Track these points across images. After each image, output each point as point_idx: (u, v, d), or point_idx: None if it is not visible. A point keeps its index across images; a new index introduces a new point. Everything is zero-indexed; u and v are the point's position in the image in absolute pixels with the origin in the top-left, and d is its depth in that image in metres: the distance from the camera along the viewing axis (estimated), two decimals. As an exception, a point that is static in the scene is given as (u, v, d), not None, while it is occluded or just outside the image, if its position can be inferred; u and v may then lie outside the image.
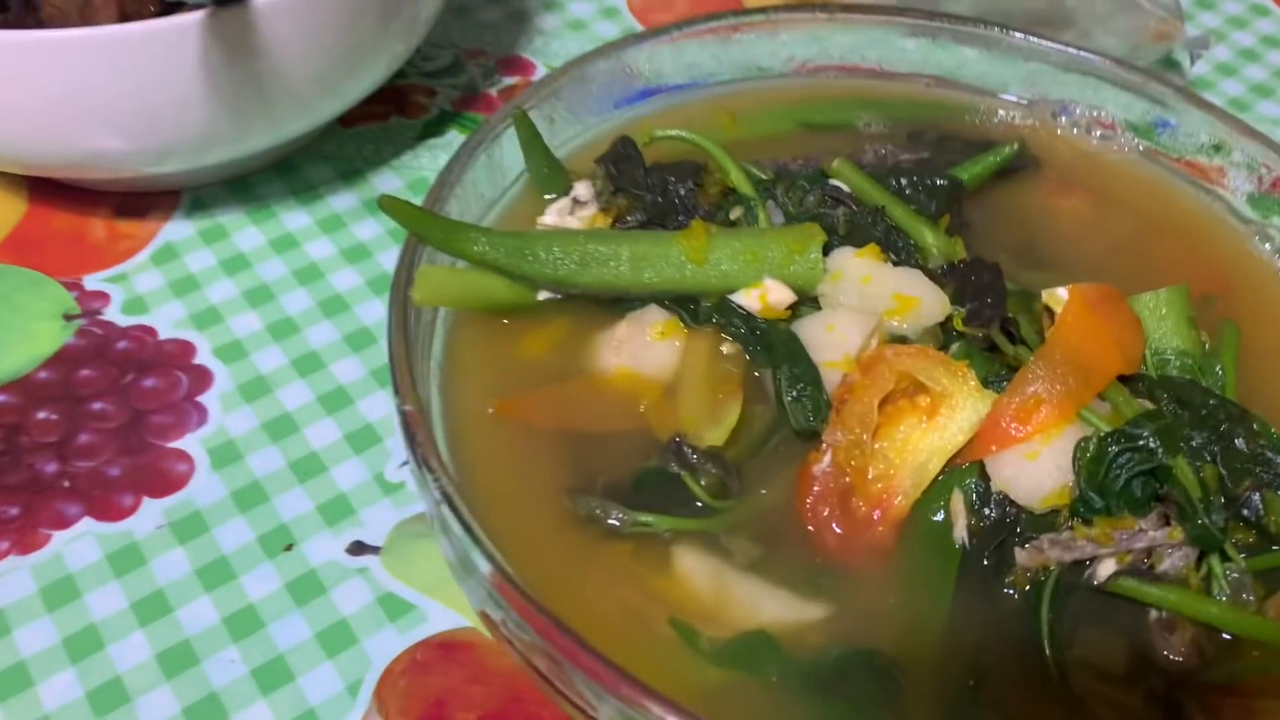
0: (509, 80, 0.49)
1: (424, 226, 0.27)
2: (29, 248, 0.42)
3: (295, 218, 0.44)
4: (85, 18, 0.39)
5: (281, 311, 0.41)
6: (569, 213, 0.30)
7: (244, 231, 0.43)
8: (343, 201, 0.44)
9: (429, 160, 0.46)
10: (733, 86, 0.35)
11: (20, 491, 0.35)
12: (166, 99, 0.37)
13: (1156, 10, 0.46)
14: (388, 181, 0.45)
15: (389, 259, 0.42)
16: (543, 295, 0.29)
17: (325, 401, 0.38)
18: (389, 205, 0.26)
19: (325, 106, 0.41)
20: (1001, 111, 0.35)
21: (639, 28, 0.52)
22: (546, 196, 0.32)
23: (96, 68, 0.36)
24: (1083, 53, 0.35)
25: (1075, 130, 0.35)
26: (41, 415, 0.37)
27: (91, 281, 0.41)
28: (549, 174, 0.31)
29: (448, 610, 0.33)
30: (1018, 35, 0.36)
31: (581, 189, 0.30)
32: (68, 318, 0.40)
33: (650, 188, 0.30)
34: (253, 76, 0.37)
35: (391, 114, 0.47)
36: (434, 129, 0.47)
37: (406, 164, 0.46)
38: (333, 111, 0.42)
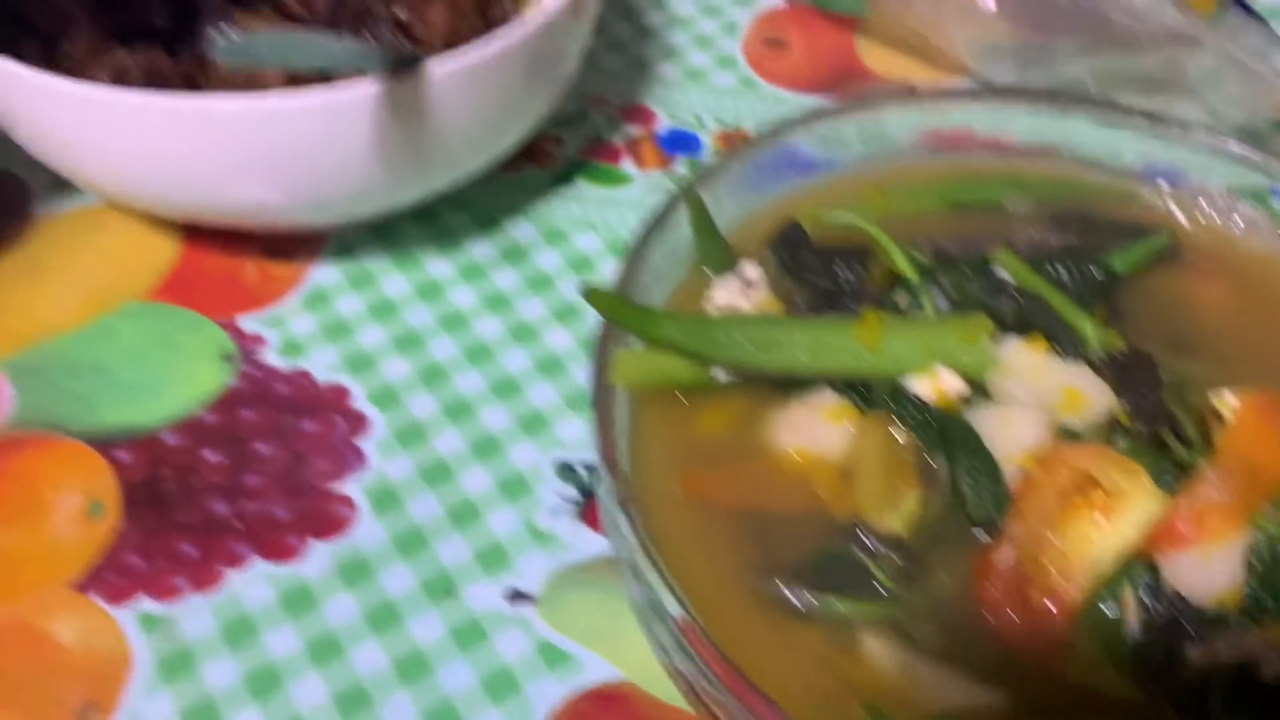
0: (632, 129, 0.51)
1: (620, 314, 0.29)
2: (185, 289, 0.44)
3: (437, 265, 0.45)
4: (257, 79, 0.41)
5: (430, 358, 0.42)
6: (740, 293, 0.32)
7: (390, 277, 0.45)
8: (482, 250, 0.46)
9: (561, 209, 0.48)
10: (880, 163, 0.37)
11: (196, 531, 0.37)
12: (330, 162, 0.39)
13: (1277, 78, 0.47)
14: (523, 230, 0.47)
15: (529, 308, 0.44)
16: (720, 374, 0.30)
17: (477, 449, 0.40)
18: (592, 296, 0.28)
19: (475, 164, 0.43)
20: (1144, 193, 0.36)
21: (755, 77, 0.54)
22: (710, 272, 0.33)
23: (265, 134, 0.37)
24: (1228, 141, 0.36)
25: (1217, 215, 0.36)
26: (209, 456, 0.39)
27: (247, 323, 0.43)
28: (716, 253, 0.33)
29: (604, 662, 0.34)
30: (1161, 119, 0.37)
31: (751, 270, 0.32)
32: (226, 359, 0.42)
33: (819, 272, 0.31)
34: (413, 140, 0.39)
35: (524, 163, 0.48)
36: (563, 177, 0.49)
37: (539, 212, 0.47)
38: (481, 168, 0.43)
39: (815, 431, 0.29)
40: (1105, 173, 0.37)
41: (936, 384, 0.29)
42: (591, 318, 0.40)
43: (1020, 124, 0.38)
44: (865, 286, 0.31)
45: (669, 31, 0.56)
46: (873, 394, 0.30)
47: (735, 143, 0.51)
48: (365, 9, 0.41)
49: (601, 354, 0.28)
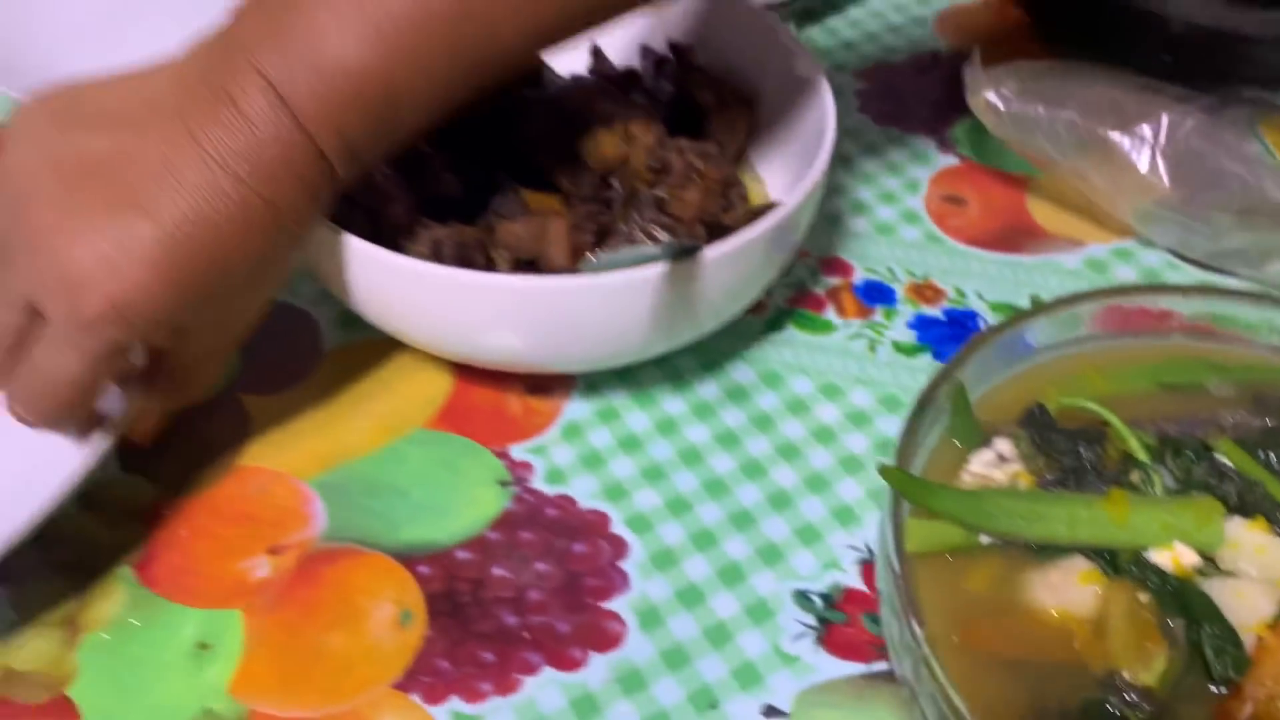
0: (832, 280, 0.57)
1: (909, 489, 0.34)
2: (460, 419, 0.51)
3: (672, 403, 0.52)
4: (539, 248, 0.48)
5: (674, 490, 0.48)
6: (994, 466, 0.37)
7: (632, 414, 0.51)
8: (708, 390, 0.52)
9: (774, 354, 0.54)
10: (1092, 343, 0.42)
11: (492, 639, 0.43)
12: (601, 328, 0.46)
13: None
14: (743, 372, 0.53)
15: (755, 445, 0.50)
16: (984, 539, 0.36)
17: (723, 575, 0.45)
18: (887, 474, 0.34)
19: (716, 324, 0.49)
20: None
21: (938, 231, 0.60)
22: (958, 444, 0.39)
23: (556, 306, 0.44)
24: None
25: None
26: (497, 572, 0.45)
27: (516, 452, 0.50)
28: (966, 429, 0.38)
29: (856, 776, 0.40)
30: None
31: (1003, 446, 0.38)
32: (502, 484, 0.48)
33: (1065, 451, 0.37)
34: (672, 310, 0.46)
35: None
36: (774, 324, 0.55)
37: (756, 356, 0.54)
38: (718, 326, 0.50)
39: (1070, 592, 0.34)
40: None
41: (1175, 556, 0.34)
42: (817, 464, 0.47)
43: (1227, 313, 0.43)
44: (1104, 465, 0.37)
45: (856, 187, 0.62)
46: (1119, 561, 0.35)
47: (924, 293, 0.57)
48: (633, 189, 0.48)
49: (896, 523, 0.34)
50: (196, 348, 0.43)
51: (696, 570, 0.46)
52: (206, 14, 0.41)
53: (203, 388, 0.47)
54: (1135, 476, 0.37)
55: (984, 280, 0.57)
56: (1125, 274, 0.58)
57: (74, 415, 0.41)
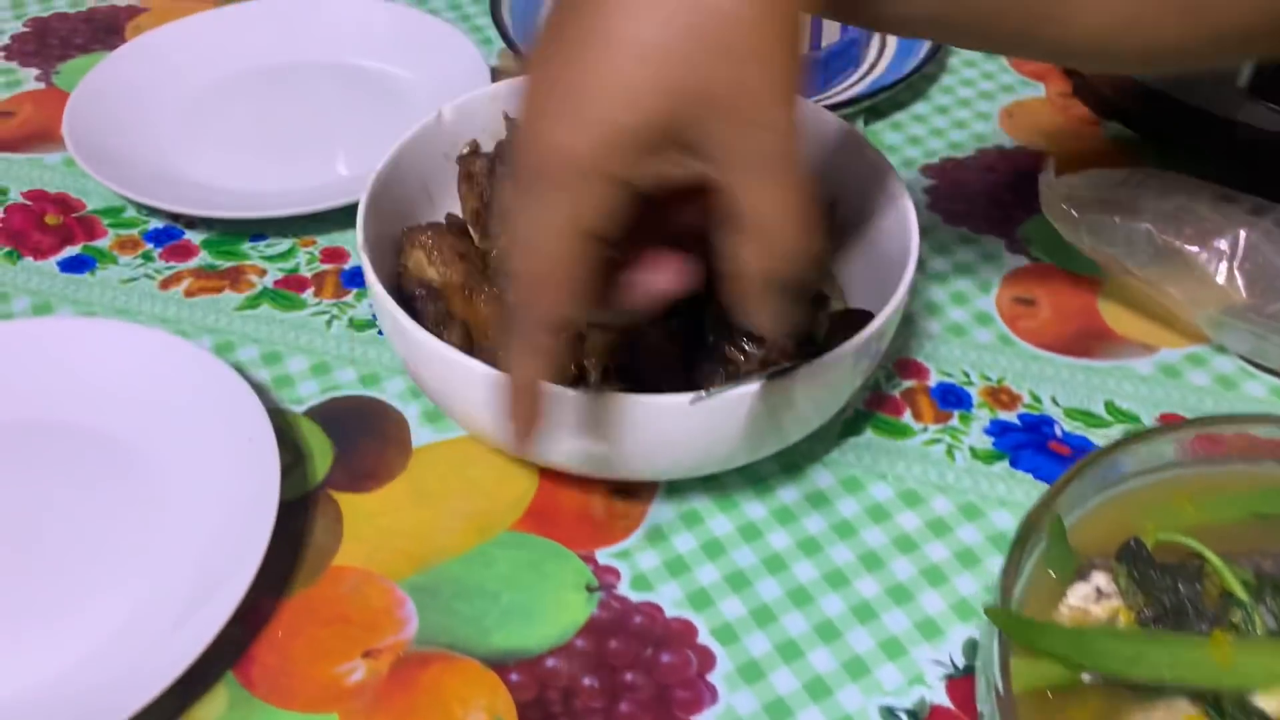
0: (907, 383, 0.58)
1: (1016, 629, 0.35)
2: (546, 521, 0.52)
3: (753, 508, 0.52)
4: (632, 357, 0.49)
5: (758, 598, 0.49)
6: (1093, 601, 0.38)
7: (715, 519, 0.52)
8: (789, 494, 0.53)
9: (854, 458, 0.54)
10: (1185, 469, 0.43)
11: (584, 751, 0.44)
12: (689, 442, 0.46)
13: None
14: (823, 477, 0.53)
15: (837, 553, 0.51)
16: (1086, 677, 0.36)
17: (809, 689, 0.46)
18: (994, 615, 0.35)
19: (800, 435, 0.50)
20: None
21: (1010, 334, 0.60)
22: (1054, 574, 0.39)
23: (638, 425, 0.45)
24: None
25: None
26: (586, 681, 0.46)
27: (602, 556, 0.50)
28: (1063, 560, 0.39)
29: None
30: None
31: (1101, 580, 0.38)
32: (589, 590, 0.49)
33: (1165, 589, 0.37)
34: (761, 424, 0.46)
35: (820, 414, 0.55)
36: (853, 428, 0.56)
37: (835, 460, 0.54)
38: (800, 438, 0.51)
39: (1174, 735, 0.35)
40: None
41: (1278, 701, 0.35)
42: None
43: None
44: (1204, 603, 0.37)
45: (929, 288, 0.63)
46: (1223, 703, 0.35)
47: (1000, 397, 0.57)
48: (720, 313, 0.49)
49: (1003, 660, 0.35)
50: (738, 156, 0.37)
51: (783, 684, 0.46)
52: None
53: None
54: (1236, 616, 0.37)
55: (1058, 384, 0.58)
56: (1199, 379, 0.58)
57: None
